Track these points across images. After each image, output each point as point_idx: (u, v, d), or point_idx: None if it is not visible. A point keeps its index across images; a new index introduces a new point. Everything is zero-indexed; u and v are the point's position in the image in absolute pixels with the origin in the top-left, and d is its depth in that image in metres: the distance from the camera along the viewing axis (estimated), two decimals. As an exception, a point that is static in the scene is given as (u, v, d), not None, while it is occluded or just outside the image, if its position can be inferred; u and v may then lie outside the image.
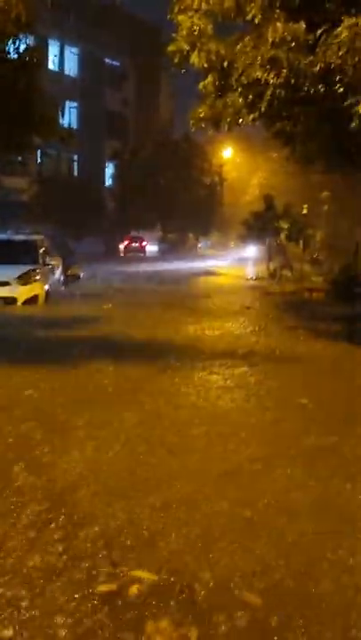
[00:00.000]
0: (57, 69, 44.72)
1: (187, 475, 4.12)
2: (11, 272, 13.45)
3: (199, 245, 57.02)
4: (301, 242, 22.01)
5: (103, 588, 2.90)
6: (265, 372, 7.43)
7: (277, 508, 3.66)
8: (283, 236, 23.67)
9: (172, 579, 2.94)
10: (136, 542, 3.25)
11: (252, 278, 24.62)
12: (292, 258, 23.80)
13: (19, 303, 13.24)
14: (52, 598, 2.79)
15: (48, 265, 15.00)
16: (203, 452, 4.58)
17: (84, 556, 3.11)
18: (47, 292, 14.20)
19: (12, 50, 15.97)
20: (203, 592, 2.85)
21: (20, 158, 36.73)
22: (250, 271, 27.83)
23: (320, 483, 4.05)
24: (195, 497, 3.77)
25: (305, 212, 22.49)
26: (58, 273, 16.30)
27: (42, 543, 3.21)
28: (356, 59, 7.57)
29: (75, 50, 46.90)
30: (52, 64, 43.76)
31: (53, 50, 44.03)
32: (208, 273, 29.73)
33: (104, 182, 48.81)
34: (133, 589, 2.89)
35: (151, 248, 48.26)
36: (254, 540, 3.28)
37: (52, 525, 3.39)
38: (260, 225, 23.55)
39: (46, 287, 14.24)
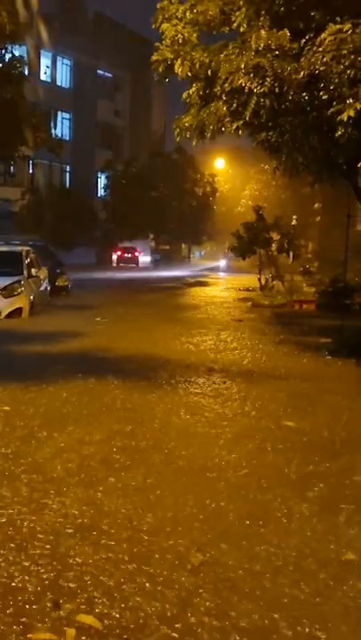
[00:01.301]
0: (49, 80, 44.63)
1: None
2: (-7, 284, 13.13)
3: (192, 256, 56.92)
4: (291, 253, 21.75)
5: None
6: (250, 390, 7.12)
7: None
8: (273, 247, 23.44)
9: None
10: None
11: (241, 289, 24.44)
12: (282, 269, 23.57)
13: (1, 316, 12.90)
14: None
15: (34, 276, 14.66)
16: (166, 482, 4.24)
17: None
18: (32, 305, 13.85)
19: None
20: None
21: (12, 169, 36.67)
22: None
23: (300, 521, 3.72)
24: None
25: (294, 222, 22.25)
26: (44, 284, 15.96)
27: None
28: (341, 66, 7.33)
29: (67, 61, 46.91)
30: (44, 75, 43.69)
31: (45, 61, 43.98)
32: (199, 283, 29.57)
33: (97, 193, 48.66)
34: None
35: (144, 258, 48.07)
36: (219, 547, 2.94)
37: None
38: (251, 236, 23.29)
39: (31, 299, 13.89)
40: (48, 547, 3.25)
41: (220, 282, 32.52)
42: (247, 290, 24.19)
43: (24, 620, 2.63)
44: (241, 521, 3.62)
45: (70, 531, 3.44)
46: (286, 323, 13.99)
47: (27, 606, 2.72)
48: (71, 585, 2.90)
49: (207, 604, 2.78)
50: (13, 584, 2.90)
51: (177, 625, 2.62)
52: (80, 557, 3.15)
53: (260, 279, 24.36)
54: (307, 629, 2.62)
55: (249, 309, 17.35)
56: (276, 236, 23.28)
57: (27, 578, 2.95)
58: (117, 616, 2.67)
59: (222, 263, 49.51)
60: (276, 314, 16.24)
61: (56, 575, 2.98)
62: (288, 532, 3.53)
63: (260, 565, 3.14)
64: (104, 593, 2.84)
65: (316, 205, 36.84)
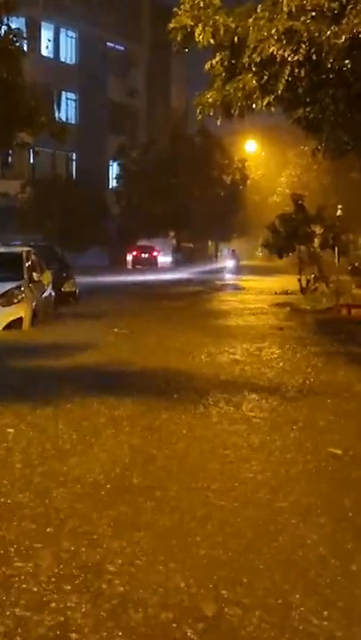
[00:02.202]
0: (51, 56, 45.28)
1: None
2: (-10, 291, 13.33)
3: (219, 254, 56.80)
4: (337, 249, 21.55)
5: None
6: (289, 410, 7.09)
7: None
8: (316, 242, 23.29)
9: None
10: None
11: (278, 293, 24.41)
12: (327, 268, 23.40)
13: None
14: None
15: (36, 282, 14.83)
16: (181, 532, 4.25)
17: None
18: (34, 314, 14.00)
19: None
20: None
21: (9, 159, 37.23)
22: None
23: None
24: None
25: (339, 213, 22.01)
26: (48, 291, 16.14)
27: None
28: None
29: (72, 33, 47.46)
30: (45, 50, 44.35)
31: (47, 33, 44.61)
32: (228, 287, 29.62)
33: (108, 184, 49.08)
34: None
35: (163, 259, 48.24)
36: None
37: None
38: (289, 230, 23.17)
39: (33, 308, 14.03)
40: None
41: (250, 284, 32.49)
42: (286, 293, 24.12)
43: None
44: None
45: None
46: (331, 331, 13.91)
47: None
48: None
49: None
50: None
51: None
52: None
53: (300, 280, 24.25)
54: None
55: (287, 316, 17.30)
56: (318, 230, 23.12)
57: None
58: None
59: (229, 264, 43.13)
60: (320, 320, 16.17)
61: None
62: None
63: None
64: None
65: (366, 192, 36.65)
